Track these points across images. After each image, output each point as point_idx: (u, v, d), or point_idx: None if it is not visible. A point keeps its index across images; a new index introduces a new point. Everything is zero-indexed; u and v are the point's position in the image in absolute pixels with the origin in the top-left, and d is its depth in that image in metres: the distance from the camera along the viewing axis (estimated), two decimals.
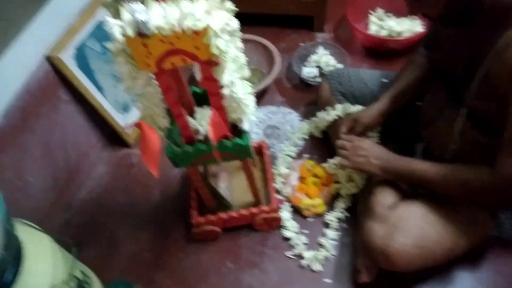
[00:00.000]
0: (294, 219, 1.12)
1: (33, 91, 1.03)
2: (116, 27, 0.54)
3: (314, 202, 1.10)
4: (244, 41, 0.70)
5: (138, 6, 0.53)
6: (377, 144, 0.97)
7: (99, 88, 1.20)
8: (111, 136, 1.33)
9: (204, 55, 0.59)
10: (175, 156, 0.83)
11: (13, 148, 0.99)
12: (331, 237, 1.07)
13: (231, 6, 0.61)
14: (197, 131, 0.83)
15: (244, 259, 1.07)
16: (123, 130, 1.28)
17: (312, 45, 1.48)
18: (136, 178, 1.28)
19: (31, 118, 1.03)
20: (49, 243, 0.83)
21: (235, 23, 0.62)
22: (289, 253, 1.06)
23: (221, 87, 0.67)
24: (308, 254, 1.04)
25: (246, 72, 0.71)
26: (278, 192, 1.16)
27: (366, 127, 1.03)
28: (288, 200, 1.14)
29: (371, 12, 1.55)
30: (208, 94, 0.71)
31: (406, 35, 1.46)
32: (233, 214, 1.05)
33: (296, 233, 1.09)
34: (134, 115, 1.32)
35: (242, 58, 0.68)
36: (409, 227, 0.82)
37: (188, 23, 0.54)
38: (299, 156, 1.25)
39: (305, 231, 1.10)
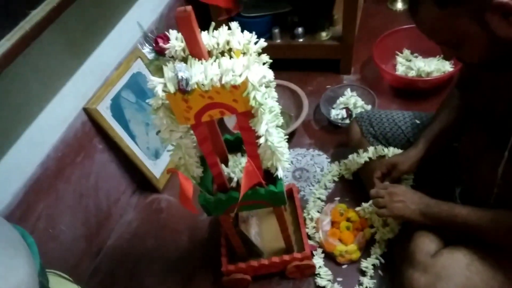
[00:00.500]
0: (327, 266, 1.08)
1: (70, 141, 1.07)
2: (159, 85, 0.56)
3: (348, 248, 1.06)
4: None
5: (180, 65, 0.54)
6: (412, 189, 0.95)
7: (132, 136, 1.23)
8: (141, 182, 1.35)
9: (242, 107, 0.60)
10: (208, 204, 0.82)
11: (48, 197, 1.01)
12: (367, 285, 1.02)
13: (267, 58, 0.62)
14: (230, 179, 0.83)
15: None
16: (153, 175, 1.30)
17: (339, 87, 1.49)
18: (164, 224, 1.28)
19: (66, 168, 1.06)
20: None
21: (271, 75, 0.63)
22: None
23: (257, 136, 0.67)
24: None
25: (281, 120, 0.71)
26: (309, 237, 1.13)
27: (403, 174, 1.01)
28: (321, 246, 1.11)
29: (398, 53, 1.56)
30: (244, 143, 0.71)
31: (435, 74, 1.45)
32: (264, 261, 1.02)
33: (330, 281, 1.05)
34: (164, 161, 1.34)
35: (277, 108, 0.68)
36: (454, 276, 0.77)
37: (228, 79, 0.55)
38: (330, 199, 1.23)
39: (340, 279, 1.05)
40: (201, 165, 0.80)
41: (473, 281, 0.77)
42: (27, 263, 0.61)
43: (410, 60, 1.54)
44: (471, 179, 0.90)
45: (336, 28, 1.55)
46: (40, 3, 0.84)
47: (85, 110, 1.11)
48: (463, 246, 0.83)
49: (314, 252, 1.10)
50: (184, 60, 0.57)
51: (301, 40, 1.55)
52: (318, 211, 1.18)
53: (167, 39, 0.59)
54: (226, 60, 0.57)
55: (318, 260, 1.08)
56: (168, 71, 0.55)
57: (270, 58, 0.63)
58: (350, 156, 1.18)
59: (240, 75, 0.56)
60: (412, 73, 1.48)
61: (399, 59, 1.55)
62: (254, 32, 0.63)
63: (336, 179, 1.28)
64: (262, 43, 0.62)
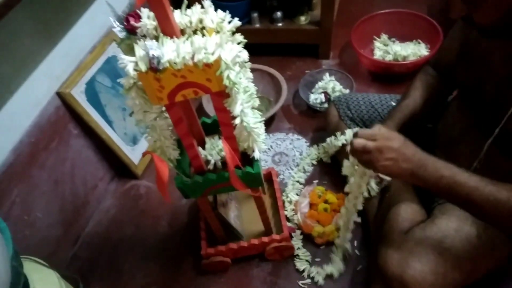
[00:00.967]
0: (305, 247, 1.10)
1: (43, 126, 1.04)
2: (130, 64, 0.55)
3: (326, 229, 1.08)
4: (251, 70, 0.71)
5: (151, 43, 0.53)
6: (407, 141, 0.73)
7: (108, 121, 1.21)
8: (119, 168, 1.33)
9: (216, 87, 0.60)
10: (185, 187, 0.82)
11: (22, 184, 0.99)
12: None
13: (241, 38, 0.62)
14: (208, 162, 0.83)
15: None
16: (131, 162, 1.28)
17: (318, 72, 1.50)
18: (144, 210, 1.27)
19: (40, 153, 1.04)
20: (57, 279, 0.82)
21: (245, 55, 0.63)
22: (301, 282, 1.04)
23: (233, 117, 0.67)
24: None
25: (256, 102, 0.71)
26: (288, 220, 1.14)
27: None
28: (299, 227, 1.12)
29: (376, 38, 1.58)
30: (220, 124, 0.71)
31: (412, 58, 1.47)
32: (244, 244, 1.03)
33: (309, 261, 1.07)
34: (142, 147, 1.32)
35: (252, 88, 0.68)
36: (426, 252, 0.79)
37: (200, 57, 0.55)
38: (308, 182, 1.24)
39: (318, 260, 1.08)
40: (178, 147, 0.80)
41: (445, 257, 0.78)
42: None
43: (387, 45, 1.56)
44: (448, 159, 0.90)
45: (314, 12, 1.55)
46: None
47: (59, 94, 1.08)
48: (435, 224, 0.85)
49: (293, 234, 1.11)
50: (156, 38, 0.56)
51: (280, 24, 1.55)
52: (297, 194, 1.20)
53: (138, 18, 0.58)
54: (199, 38, 0.56)
55: (296, 242, 1.10)
56: (139, 49, 0.54)
57: (249, 43, 0.62)
58: (328, 139, 1.19)
59: (212, 53, 0.55)
60: (389, 58, 1.50)
61: (377, 43, 1.56)
62: (232, 16, 0.62)
63: (314, 162, 1.29)
64: (237, 22, 0.62)
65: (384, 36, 1.58)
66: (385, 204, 0.99)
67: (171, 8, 0.57)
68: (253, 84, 0.70)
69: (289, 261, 1.08)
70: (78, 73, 1.12)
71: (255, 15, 1.54)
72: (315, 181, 1.24)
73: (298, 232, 1.12)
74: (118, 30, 0.59)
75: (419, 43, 1.53)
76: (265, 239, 1.03)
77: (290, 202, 1.18)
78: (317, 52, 1.61)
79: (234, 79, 0.58)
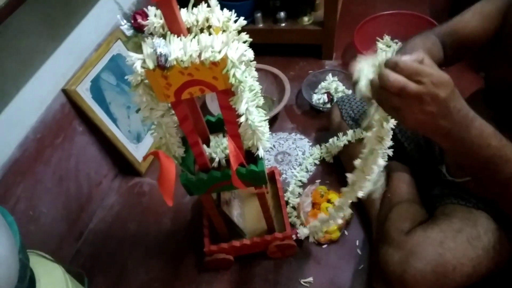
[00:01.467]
0: (307, 246, 1.10)
1: (49, 123, 1.05)
2: (138, 61, 0.56)
3: (328, 228, 1.08)
4: (255, 70, 0.71)
5: (159, 41, 0.54)
6: (458, 92, 0.56)
7: (113, 119, 1.22)
8: (123, 165, 1.34)
9: (222, 85, 0.61)
10: (190, 184, 0.83)
11: (27, 180, 1.00)
12: None
13: (246, 37, 0.63)
14: (212, 159, 0.84)
15: None
16: (135, 159, 1.29)
17: (321, 72, 1.51)
18: (147, 207, 1.28)
19: (45, 150, 1.05)
20: (62, 274, 0.83)
21: (250, 54, 0.63)
22: (303, 281, 1.04)
23: (238, 115, 0.68)
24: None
25: (261, 100, 0.72)
26: (291, 222, 1.14)
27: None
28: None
29: (379, 39, 1.58)
30: (225, 123, 0.72)
31: None
32: (246, 242, 1.04)
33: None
34: (146, 144, 1.33)
35: (257, 87, 0.69)
36: (426, 253, 0.80)
37: (207, 55, 0.56)
38: (311, 182, 1.25)
39: (320, 259, 1.08)
40: (183, 145, 0.81)
41: (445, 258, 0.79)
42: (6, 240, 0.61)
43: (390, 46, 1.56)
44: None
45: (318, 13, 1.56)
46: None
47: (64, 91, 1.09)
48: (436, 225, 0.85)
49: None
50: (163, 36, 0.57)
51: (283, 24, 1.56)
52: (299, 193, 1.21)
53: (145, 16, 0.59)
54: (206, 36, 0.57)
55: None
56: (146, 47, 0.55)
57: (252, 43, 0.63)
58: (331, 140, 1.21)
59: (219, 52, 0.56)
60: None
61: (380, 45, 1.57)
62: (236, 15, 0.63)
63: (317, 162, 1.30)
64: (242, 21, 0.63)
65: (387, 37, 1.58)
66: (387, 204, 1.00)
67: (178, 6, 0.58)
68: (258, 83, 0.70)
69: (291, 260, 1.09)
70: (83, 71, 1.13)
71: (259, 15, 1.55)
72: (318, 181, 1.25)
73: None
74: (126, 28, 0.60)
75: None
76: (268, 237, 1.04)
77: (292, 201, 1.18)
78: (320, 53, 1.61)
79: (240, 77, 0.59)
